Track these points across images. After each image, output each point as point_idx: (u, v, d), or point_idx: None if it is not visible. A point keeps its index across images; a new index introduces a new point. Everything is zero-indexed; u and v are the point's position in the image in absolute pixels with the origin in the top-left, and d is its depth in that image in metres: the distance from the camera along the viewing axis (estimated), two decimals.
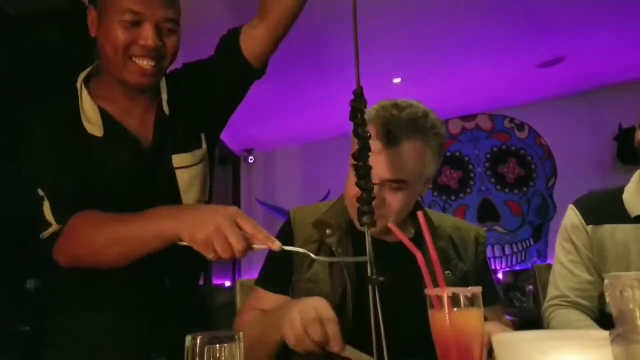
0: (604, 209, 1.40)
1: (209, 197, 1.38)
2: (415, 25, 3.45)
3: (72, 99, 1.17)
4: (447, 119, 5.32)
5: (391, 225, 0.80)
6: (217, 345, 0.67)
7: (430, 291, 0.65)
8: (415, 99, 1.20)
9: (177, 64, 1.25)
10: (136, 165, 1.19)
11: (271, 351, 1.06)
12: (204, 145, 1.28)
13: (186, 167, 1.23)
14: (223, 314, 1.44)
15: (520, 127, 5.12)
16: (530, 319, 3.41)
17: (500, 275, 4.69)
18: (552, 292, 1.43)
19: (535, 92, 4.77)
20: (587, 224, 1.39)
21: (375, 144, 1.07)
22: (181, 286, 1.27)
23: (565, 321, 1.33)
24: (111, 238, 1.01)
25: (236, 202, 5.84)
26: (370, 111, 1.14)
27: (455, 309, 0.62)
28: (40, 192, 1.09)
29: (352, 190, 1.15)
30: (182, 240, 0.93)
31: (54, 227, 1.07)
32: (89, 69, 1.23)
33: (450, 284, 0.73)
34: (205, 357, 0.67)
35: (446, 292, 0.62)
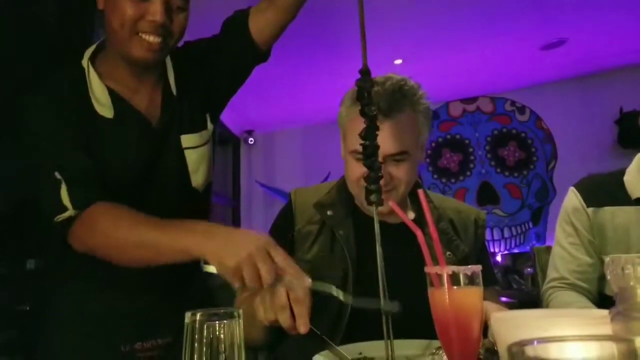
0: (604, 191, 1.40)
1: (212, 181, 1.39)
2: (417, 6, 3.41)
3: (79, 77, 1.15)
4: (448, 101, 5.30)
5: (392, 204, 0.80)
6: (216, 322, 0.67)
7: (430, 269, 0.65)
8: (417, 80, 1.20)
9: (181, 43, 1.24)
10: (146, 145, 1.18)
11: (259, 330, 1.05)
12: (210, 126, 1.28)
13: (194, 147, 1.23)
14: (222, 295, 1.44)
15: (521, 109, 5.09)
16: (529, 301, 3.43)
17: (498, 258, 4.71)
18: (551, 274, 1.44)
19: (537, 75, 4.74)
20: (588, 206, 1.39)
21: None
22: (184, 266, 1.27)
23: (564, 302, 1.34)
24: (136, 240, 0.99)
25: (236, 183, 5.84)
26: (351, 92, 1.14)
27: (455, 287, 0.62)
28: (57, 175, 1.06)
29: (354, 173, 1.15)
30: (207, 262, 0.91)
31: (70, 211, 1.05)
32: (94, 46, 1.20)
33: (451, 265, 0.73)
34: (205, 333, 0.67)
35: (446, 270, 0.62)
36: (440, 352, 0.92)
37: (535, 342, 0.29)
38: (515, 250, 4.82)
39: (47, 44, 1.93)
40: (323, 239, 1.20)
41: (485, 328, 0.66)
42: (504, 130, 5.13)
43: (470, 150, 5.22)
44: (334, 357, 0.91)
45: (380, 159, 1.08)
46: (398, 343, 0.98)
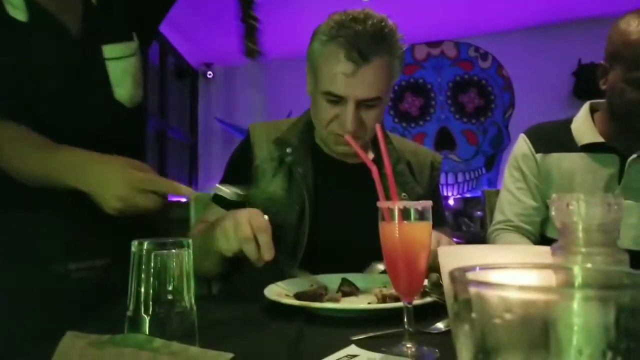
0: (553, 137, 1.44)
1: (143, 102, 1.27)
2: None
3: None
4: (413, 44, 5.24)
5: (348, 137, 0.79)
6: (165, 252, 0.66)
7: (382, 203, 0.65)
8: (397, 24, 1.15)
9: None
10: (65, 53, 1.10)
11: (215, 261, 1.06)
12: (135, 39, 1.20)
13: (117, 59, 1.16)
14: (178, 229, 1.43)
15: (484, 56, 5.11)
16: (476, 242, 3.59)
17: (451, 202, 4.87)
18: (497, 216, 1.49)
19: (502, 22, 4.73)
20: (537, 152, 1.43)
21: (346, 66, 1.05)
22: None
23: (508, 242, 1.40)
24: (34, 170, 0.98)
25: (193, 118, 5.69)
26: (326, 28, 1.09)
27: (405, 221, 0.62)
28: None
29: (324, 116, 1.13)
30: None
31: None
32: None
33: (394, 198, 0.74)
34: (152, 263, 0.66)
35: (397, 205, 0.62)
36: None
37: (477, 269, 0.29)
38: (467, 195, 4.99)
39: None
40: (281, 175, 1.19)
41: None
42: (466, 76, 5.16)
43: (432, 95, 5.25)
44: (286, 287, 0.92)
45: (353, 102, 1.07)
46: (348, 276, 1.01)
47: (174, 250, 0.66)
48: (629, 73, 1.22)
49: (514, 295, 0.22)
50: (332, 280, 0.99)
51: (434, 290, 0.85)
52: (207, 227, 1.14)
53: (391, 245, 0.64)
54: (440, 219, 1.35)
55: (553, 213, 0.46)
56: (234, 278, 1.19)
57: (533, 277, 0.30)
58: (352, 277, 1.00)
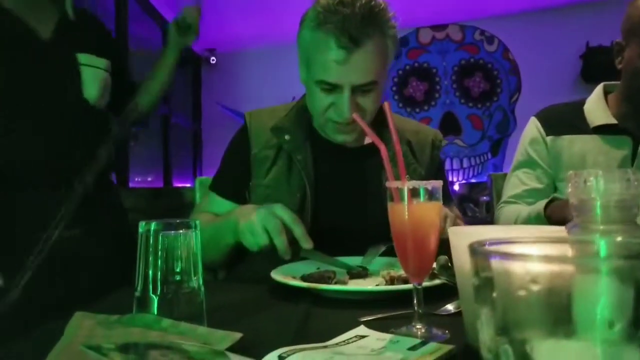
0: (564, 120, 1.42)
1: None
2: None
3: None
4: (418, 27, 5.18)
5: (356, 116, 0.77)
6: (172, 232, 0.66)
7: (391, 183, 0.64)
8: (387, 2, 1.11)
9: None
10: (31, 55, 1.27)
11: (224, 253, 1.08)
12: (107, 62, 1.40)
13: (89, 66, 1.34)
14: (185, 215, 1.43)
15: (490, 39, 5.05)
16: None
17: (456, 187, 4.85)
18: (502, 198, 1.48)
19: (508, 4, 4.66)
20: (547, 134, 1.41)
21: (337, 53, 1.02)
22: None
23: (513, 210, 1.39)
24: None
25: (196, 105, 5.67)
26: (314, 14, 1.05)
27: (414, 202, 0.61)
28: None
29: (320, 104, 1.10)
30: None
31: None
32: None
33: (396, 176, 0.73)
34: (160, 244, 0.65)
35: (407, 185, 0.61)
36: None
37: (499, 243, 0.28)
38: (473, 180, 4.97)
39: None
40: (280, 163, 1.17)
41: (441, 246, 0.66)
42: (472, 60, 5.10)
43: (437, 79, 5.20)
44: (287, 273, 0.92)
45: (348, 88, 1.05)
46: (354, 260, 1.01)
47: (181, 231, 0.66)
48: None
49: (540, 266, 0.22)
50: (346, 261, 0.99)
51: (442, 273, 0.84)
52: (214, 219, 1.14)
53: (400, 226, 0.63)
54: (447, 197, 1.34)
55: (569, 190, 0.45)
56: (239, 265, 1.19)
57: (554, 251, 0.29)
58: (355, 260, 1.00)
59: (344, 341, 0.58)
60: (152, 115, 1.74)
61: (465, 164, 5.05)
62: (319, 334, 0.61)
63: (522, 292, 0.22)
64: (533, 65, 4.84)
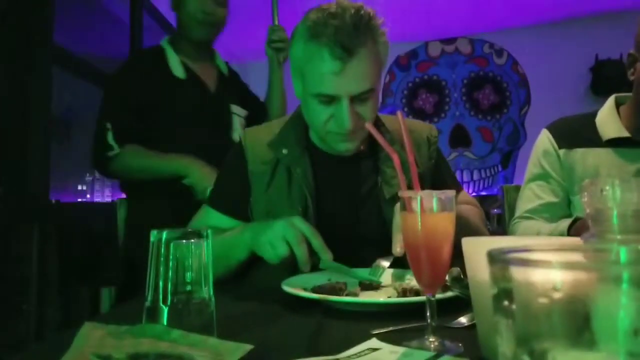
0: (577, 132, 1.40)
1: None
2: None
3: (159, 52, 1.80)
4: (427, 41, 5.20)
5: (369, 126, 0.77)
6: (183, 242, 0.65)
7: (404, 193, 0.63)
8: (396, 18, 1.12)
9: None
10: (206, 102, 1.79)
11: (232, 269, 1.09)
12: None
13: (237, 115, 1.88)
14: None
15: (499, 52, 5.05)
16: None
17: None
18: (517, 212, 1.46)
19: (517, 17, 4.67)
20: (560, 147, 1.40)
21: (332, 64, 1.02)
22: None
23: (529, 226, 1.37)
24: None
25: None
26: (305, 28, 1.05)
27: (428, 211, 0.61)
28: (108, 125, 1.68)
29: (319, 117, 1.10)
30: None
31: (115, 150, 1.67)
32: (170, 36, 1.89)
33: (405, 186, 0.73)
34: (171, 253, 0.65)
35: (419, 194, 0.61)
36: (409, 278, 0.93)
37: (518, 251, 0.27)
38: (483, 193, 4.93)
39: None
40: (279, 177, 1.17)
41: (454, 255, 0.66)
42: (481, 72, 5.10)
43: (446, 92, 5.20)
44: (297, 284, 0.91)
45: (346, 100, 1.05)
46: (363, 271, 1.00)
47: (192, 241, 0.66)
48: None
49: (562, 273, 0.21)
50: (359, 272, 0.98)
51: (455, 285, 0.83)
52: (218, 234, 1.14)
53: (413, 236, 0.62)
54: (456, 186, 1.33)
55: (585, 199, 0.44)
56: (252, 274, 1.19)
57: (573, 259, 0.28)
58: (363, 272, 0.99)
59: (356, 354, 0.57)
60: None
61: (475, 176, 5.02)
62: (331, 347, 0.60)
63: (543, 301, 0.22)
64: (542, 77, 4.83)
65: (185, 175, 1.62)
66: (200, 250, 0.66)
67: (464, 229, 1.08)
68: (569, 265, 0.21)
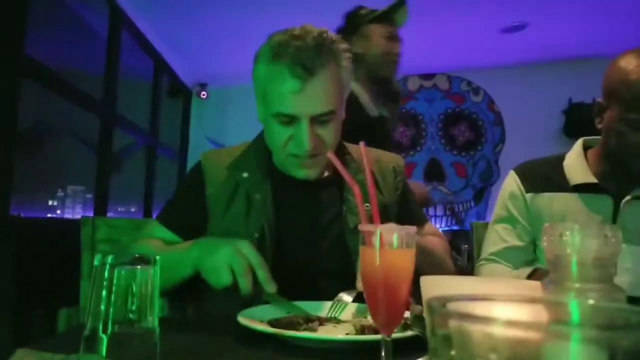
0: (544, 176, 1.39)
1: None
2: None
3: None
4: (407, 75, 5.29)
5: (330, 155, 0.75)
6: (129, 267, 0.61)
7: (364, 227, 0.61)
8: (339, 36, 1.12)
9: None
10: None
11: (175, 284, 1.03)
12: None
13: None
14: None
15: (476, 90, 5.16)
16: (464, 275, 3.54)
17: None
18: (482, 254, 1.45)
19: (495, 57, 4.79)
20: (527, 191, 1.38)
21: (292, 83, 1.01)
22: None
23: (492, 271, 1.35)
24: None
25: (184, 138, 5.65)
26: (268, 49, 1.06)
27: (387, 247, 0.58)
28: None
29: (279, 138, 1.08)
30: None
31: None
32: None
33: (368, 216, 0.70)
34: (115, 279, 0.61)
35: (379, 229, 0.58)
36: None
37: (459, 299, 0.25)
38: (455, 228, 4.96)
39: None
40: (237, 203, 1.13)
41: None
42: (457, 109, 5.19)
43: (423, 126, 5.27)
44: (255, 316, 0.87)
45: (306, 120, 1.03)
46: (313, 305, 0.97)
47: (139, 267, 0.62)
48: (627, 114, 1.17)
49: (501, 331, 0.19)
50: (312, 306, 0.95)
51: (415, 324, 0.80)
52: (164, 247, 1.11)
53: (371, 272, 0.59)
54: (421, 218, 1.32)
55: (545, 244, 0.42)
56: (207, 303, 1.14)
57: (523, 312, 0.26)
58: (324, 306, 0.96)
59: None
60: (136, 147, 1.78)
61: (448, 211, 5.06)
62: None
63: None
64: (517, 117, 4.94)
65: None
66: (146, 277, 0.62)
67: (428, 259, 1.06)
68: (510, 324, 0.19)
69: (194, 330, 0.86)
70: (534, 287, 0.46)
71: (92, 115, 3.55)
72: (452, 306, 0.23)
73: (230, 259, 0.90)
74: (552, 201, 1.34)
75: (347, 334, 0.82)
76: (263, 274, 0.90)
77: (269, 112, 1.07)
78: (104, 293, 0.60)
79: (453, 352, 0.21)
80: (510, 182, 1.43)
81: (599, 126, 1.28)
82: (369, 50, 2.02)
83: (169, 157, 5.33)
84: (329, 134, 1.07)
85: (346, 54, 1.08)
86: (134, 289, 0.61)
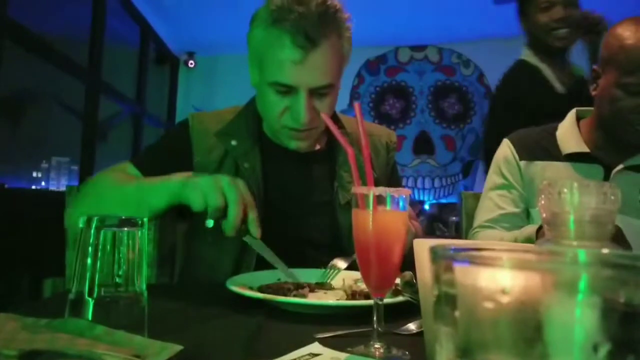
0: (537, 145, 1.40)
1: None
2: None
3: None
4: (397, 46, 5.23)
5: (325, 116, 0.73)
6: (116, 229, 0.60)
7: (357, 189, 0.60)
8: (368, 24, 1.08)
9: None
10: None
11: (141, 215, 0.96)
12: None
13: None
14: None
15: (466, 63, 5.12)
16: None
17: (427, 207, 4.86)
18: (476, 222, 1.45)
19: (486, 29, 4.74)
20: (520, 159, 1.39)
21: (293, 53, 0.96)
22: None
23: (491, 235, 1.35)
24: None
25: (171, 107, 5.57)
26: (267, 12, 0.99)
27: (380, 209, 0.57)
28: None
29: (274, 108, 1.04)
30: None
31: None
32: None
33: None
34: (101, 241, 0.59)
35: (373, 191, 0.57)
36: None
37: (466, 249, 0.24)
38: (443, 200, 4.99)
39: None
40: (225, 171, 1.07)
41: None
42: (447, 82, 5.16)
43: (413, 98, 5.24)
44: (244, 283, 0.86)
45: (304, 92, 1.00)
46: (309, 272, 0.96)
47: (126, 229, 0.60)
48: (622, 78, 1.18)
49: (512, 273, 0.18)
50: (309, 274, 0.94)
51: (406, 289, 0.80)
52: (132, 178, 1.03)
53: (363, 234, 0.59)
54: None
55: (542, 202, 0.41)
56: (197, 269, 1.12)
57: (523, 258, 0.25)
58: (317, 274, 0.95)
59: (295, 359, 0.53)
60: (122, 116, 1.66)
61: (436, 184, 5.08)
62: (270, 350, 0.56)
63: (489, 305, 0.18)
64: None
65: None
66: (134, 240, 0.60)
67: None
68: (520, 265, 0.17)
69: (183, 297, 0.85)
70: (531, 247, 0.45)
71: (78, 82, 3.46)
72: (456, 252, 0.22)
73: (225, 186, 0.84)
74: (545, 169, 1.35)
75: (338, 299, 0.81)
76: (254, 215, 0.86)
77: (265, 80, 1.02)
78: (89, 255, 0.58)
79: (458, 302, 0.20)
80: (505, 150, 1.44)
81: (594, 93, 1.28)
82: (533, 29, 2.11)
83: (155, 127, 5.26)
84: (326, 107, 1.04)
85: (348, 24, 1.04)
86: (121, 251, 0.60)
